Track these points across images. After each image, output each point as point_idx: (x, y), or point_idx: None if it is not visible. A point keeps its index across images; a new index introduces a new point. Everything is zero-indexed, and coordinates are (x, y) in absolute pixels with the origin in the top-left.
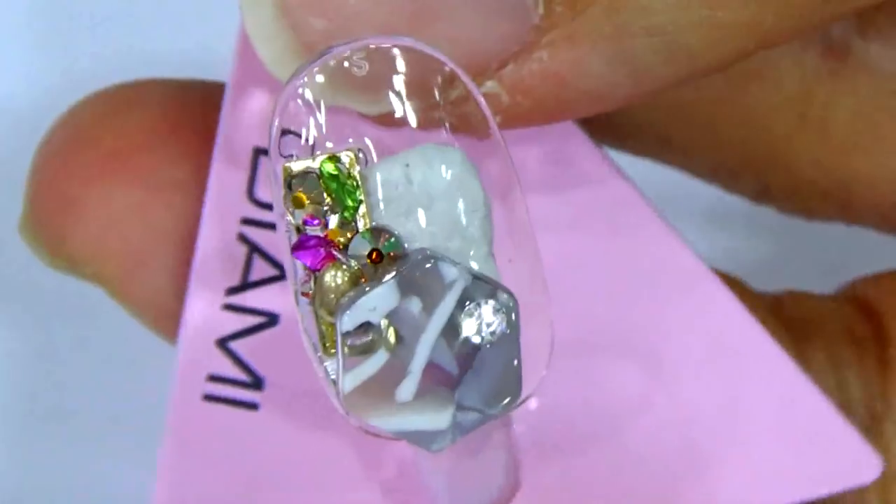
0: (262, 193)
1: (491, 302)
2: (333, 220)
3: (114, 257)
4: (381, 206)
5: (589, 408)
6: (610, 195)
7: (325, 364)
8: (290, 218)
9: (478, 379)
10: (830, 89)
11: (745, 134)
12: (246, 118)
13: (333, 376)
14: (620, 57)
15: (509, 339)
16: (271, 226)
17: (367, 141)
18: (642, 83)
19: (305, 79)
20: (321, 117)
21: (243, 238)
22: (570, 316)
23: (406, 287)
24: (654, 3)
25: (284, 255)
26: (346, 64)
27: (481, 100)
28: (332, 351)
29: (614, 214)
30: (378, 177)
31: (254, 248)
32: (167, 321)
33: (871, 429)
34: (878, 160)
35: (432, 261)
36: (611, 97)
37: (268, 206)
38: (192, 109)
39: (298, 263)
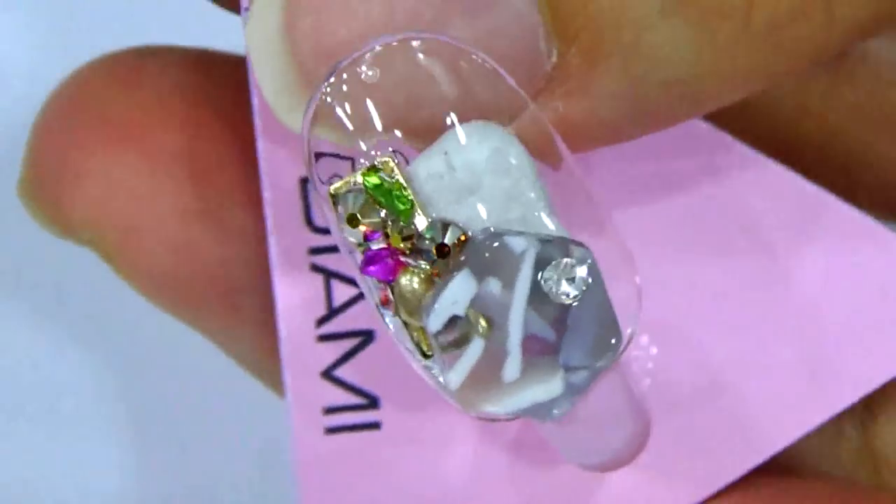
0: (320, 219)
1: (566, 259)
2: (392, 229)
3: (112, 225)
4: (433, 199)
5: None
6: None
7: (427, 367)
8: (350, 239)
9: (576, 336)
10: None
11: (828, 133)
12: (282, 154)
13: (439, 377)
14: (637, 106)
15: (594, 288)
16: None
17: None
18: (655, 124)
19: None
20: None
21: (316, 268)
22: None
23: (480, 271)
24: (672, 55)
25: (356, 275)
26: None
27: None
28: (430, 353)
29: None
30: (421, 173)
31: (329, 274)
32: (162, 290)
33: None
34: None
35: (497, 237)
36: (623, 136)
37: (329, 231)
38: (201, 79)
39: (371, 280)
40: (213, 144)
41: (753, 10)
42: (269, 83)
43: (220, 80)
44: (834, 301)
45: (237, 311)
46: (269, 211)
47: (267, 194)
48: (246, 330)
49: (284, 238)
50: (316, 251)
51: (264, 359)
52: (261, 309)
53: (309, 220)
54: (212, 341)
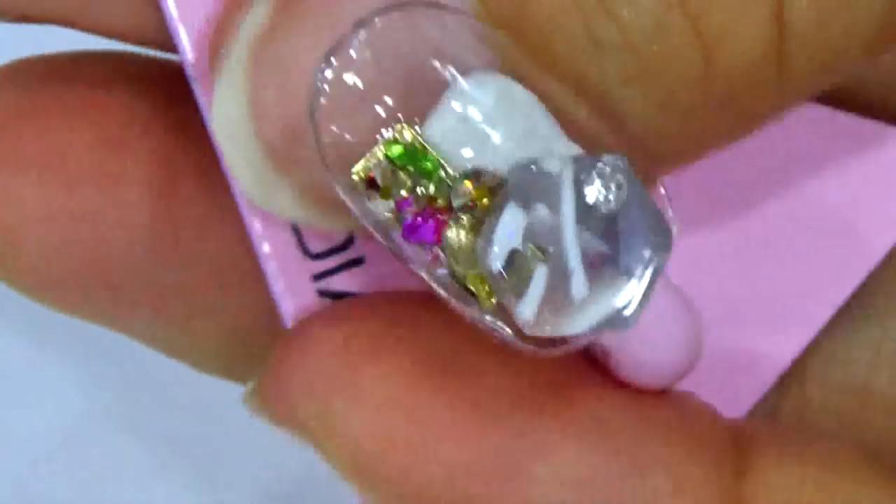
0: (314, 244)
1: (602, 168)
2: (423, 191)
3: None
4: (455, 154)
5: None
6: None
7: (493, 319)
8: (387, 214)
9: (630, 239)
10: None
11: None
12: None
13: (505, 328)
14: None
15: (634, 190)
16: (340, 267)
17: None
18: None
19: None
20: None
21: (324, 293)
22: None
23: (525, 200)
24: (637, 120)
25: (400, 254)
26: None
27: None
28: (492, 301)
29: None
30: (436, 133)
31: (336, 295)
32: (45, 290)
33: None
34: None
35: (533, 163)
36: None
37: (326, 254)
38: (59, 84)
39: (415, 249)
40: (90, 141)
41: (710, 73)
42: (243, 174)
43: (82, 83)
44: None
45: (121, 300)
46: (262, 254)
47: (255, 238)
48: (134, 315)
49: (287, 274)
50: (319, 277)
51: (163, 338)
52: (152, 289)
53: (306, 251)
54: (110, 328)
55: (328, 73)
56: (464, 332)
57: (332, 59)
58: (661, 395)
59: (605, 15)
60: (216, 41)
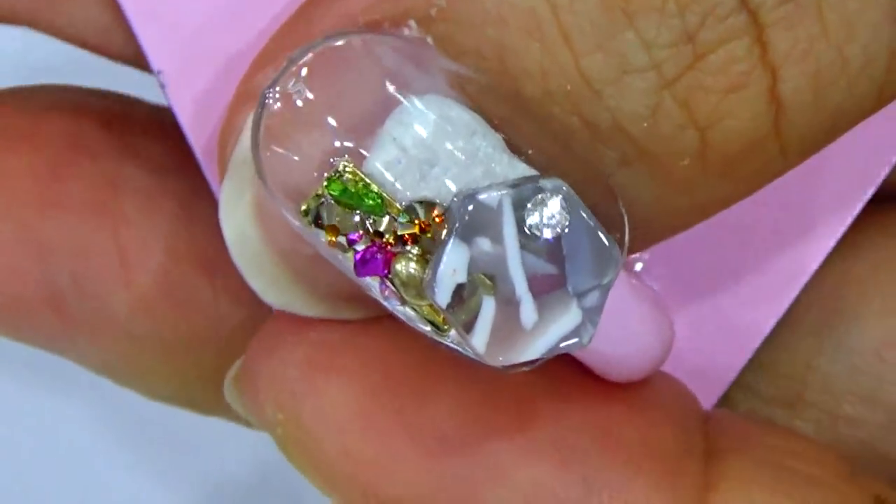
0: None
1: (541, 194)
2: (370, 225)
3: None
4: (398, 185)
5: None
6: None
7: (452, 342)
8: (335, 251)
9: (576, 260)
10: None
11: None
12: None
13: (464, 346)
14: None
15: (576, 213)
16: None
17: (343, 143)
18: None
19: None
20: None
21: None
22: None
23: (467, 234)
24: (633, 198)
25: (356, 282)
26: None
27: None
28: (447, 327)
29: None
30: (378, 165)
31: None
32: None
33: None
34: None
35: (471, 198)
36: None
37: None
38: (18, 110)
39: (370, 280)
40: (32, 166)
41: (707, 150)
42: (255, 278)
43: (24, 110)
44: None
45: (72, 323)
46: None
47: None
48: (80, 338)
49: None
50: None
51: (111, 363)
52: (91, 313)
53: None
54: (58, 355)
55: (273, 100)
56: (432, 350)
57: (277, 86)
58: (633, 395)
59: (598, 102)
60: (222, 141)
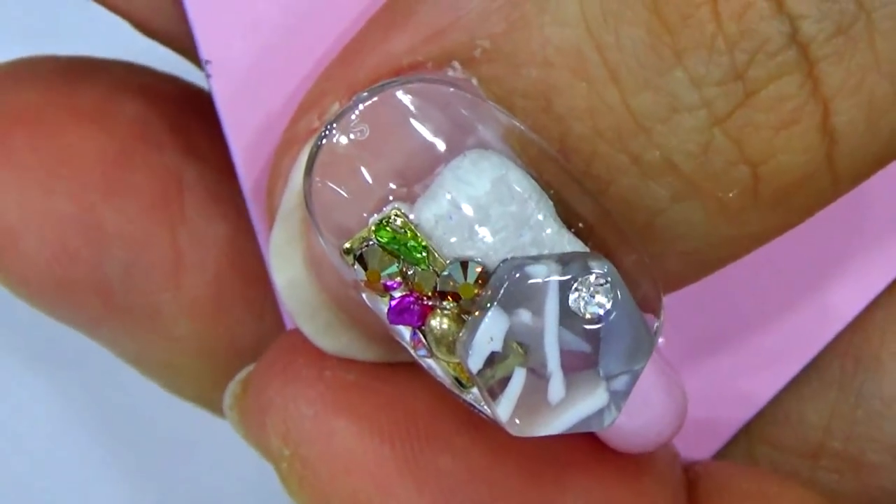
0: None
1: (589, 276)
2: (412, 276)
3: None
4: (445, 241)
5: None
6: None
7: (474, 399)
8: (374, 297)
9: (612, 344)
10: None
11: None
12: None
13: (484, 406)
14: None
15: (620, 295)
16: None
17: (396, 187)
18: (668, 288)
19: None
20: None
21: None
22: None
23: (509, 304)
24: (686, 232)
25: (389, 326)
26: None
27: None
28: (470, 385)
29: None
30: (429, 217)
31: None
32: (40, 294)
33: None
34: None
35: (519, 269)
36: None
37: None
38: (74, 87)
39: (403, 329)
40: (99, 151)
41: (760, 184)
42: (310, 325)
43: (97, 89)
44: None
45: (116, 312)
46: None
47: None
48: (122, 328)
49: None
50: None
51: (147, 356)
52: (136, 306)
53: None
54: (96, 341)
55: (327, 142)
56: (447, 401)
57: (333, 128)
58: (630, 462)
59: (647, 140)
60: (270, 187)
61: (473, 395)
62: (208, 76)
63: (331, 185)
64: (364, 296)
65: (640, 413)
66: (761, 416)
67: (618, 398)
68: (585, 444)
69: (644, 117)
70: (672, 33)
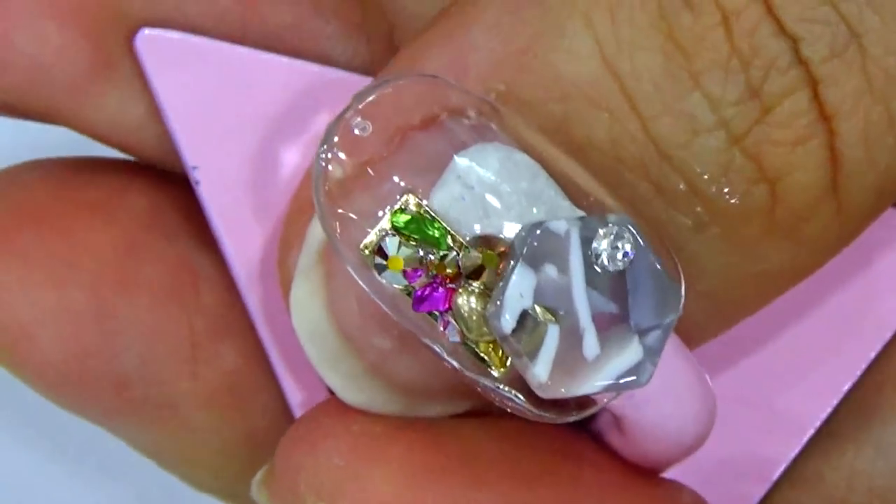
0: None
1: (607, 228)
2: (432, 260)
3: (3, 326)
4: (461, 222)
5: None
6: None
7: (504, 388)
8: (394, 286)
9: (639, 299)
10: None
11: None
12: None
13: (516, 395)
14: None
15: (642, 249)
16: None
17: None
18: (689, 343)
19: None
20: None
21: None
22: None
23: (534, 260)
24: (710, 265)
25: (413, 323)
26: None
27: None
28: (503, 369)
29: None
30: (444, 199)
31: None
32: (55, 388)
33: None
34: None
35: (539, 225)
36: None
37: None
38: (81, 184)
39: (428, 318)
40: (111, 244)
41: (777, 207)
42: (333, 377)
43: (104, 185)
44: None
45: (132, 404)
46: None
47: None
48: (139, 420)
49: (298, 373)
50: None
51: (165, 449)
52: (153, 398)
53: None
54: (113, 434)
55: (331, 154)
56: (472, 439)
57: (334, 138)
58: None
59: (669, 166)
60: (282, 256)
61: (503, 385)
62: (196, 182)
63: (347, 212)
64: (393, 308)
65: (669, 407)
66: (779, 480)
67: (652, 353)
68: (617, 484)
69: (665, 143)
70: (687, 56)
